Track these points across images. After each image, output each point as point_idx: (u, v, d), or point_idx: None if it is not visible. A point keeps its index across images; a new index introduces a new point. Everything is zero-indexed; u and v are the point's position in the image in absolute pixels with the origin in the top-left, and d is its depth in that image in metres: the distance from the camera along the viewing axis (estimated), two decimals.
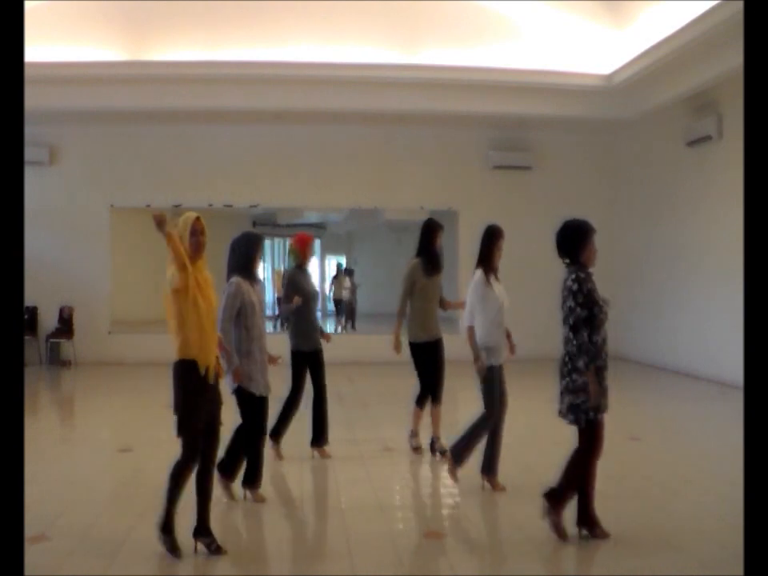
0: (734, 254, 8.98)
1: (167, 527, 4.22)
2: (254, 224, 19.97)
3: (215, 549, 4.27)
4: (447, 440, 5.92)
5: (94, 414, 9.01)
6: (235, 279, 5.08)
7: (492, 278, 5.44)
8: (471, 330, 5.39)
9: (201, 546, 4.28)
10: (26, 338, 11.77)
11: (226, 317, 4.96)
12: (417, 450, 6.53)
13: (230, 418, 4.90)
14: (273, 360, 5.39)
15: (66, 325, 12.47)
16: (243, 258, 5.13)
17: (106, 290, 12.88)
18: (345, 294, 18.54)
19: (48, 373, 12.05)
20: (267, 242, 22.01)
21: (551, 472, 6.01)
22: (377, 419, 8.00)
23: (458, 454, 5.45)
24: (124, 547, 4.33)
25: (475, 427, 5.40)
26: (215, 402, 4.36)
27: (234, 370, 4.98)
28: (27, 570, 2.98)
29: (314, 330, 6.40)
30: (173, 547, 4.20)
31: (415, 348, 6.35)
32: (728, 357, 9.71)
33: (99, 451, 7.04)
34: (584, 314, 4.26)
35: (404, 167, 13.25)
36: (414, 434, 6.56)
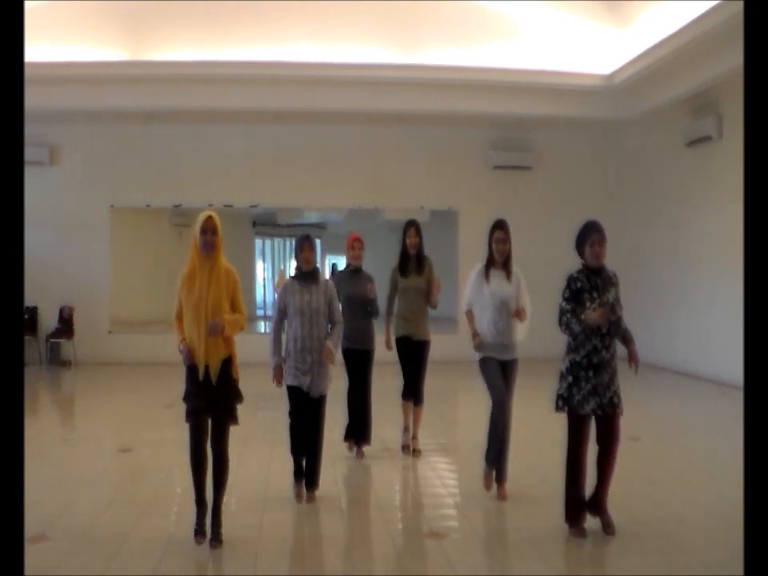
0: (733, 253, 8.98)
1: (198, 503, 4.43)
2: (254, 224, 19.96)
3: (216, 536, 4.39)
4: (445, 440, 5.90)
5: (94, 414, 9.01)
6: (286, 281, 5.40)
7: (496, 273, 5.40)
8: (468, 314, 5.52)
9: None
10: (26, 338, 11.77)
11: (273, 318, 5.47)
12: (404, 448, 6.64)
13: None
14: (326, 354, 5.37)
15: (66, 325, 12.48)
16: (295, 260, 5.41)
17: (105, 290, 12.87)
18: None
19: (48, 373, 12.05)
20: (268, 242, 21.94)
21: (552, 472, 5.99)
22: (377, 419, 7.97)
23: (487, 459, 5.41)
24: (124, 547, 4.33)
25: (489, 422, 5.39)
26: (216, 399, 4.40)
27: (273, 369, 5.25)
28: (27, 570, 2.98)
29: (356, 331, 6.40)
30: (199, 530, 4.38)
31: (395, 343, 6.61)
32: (728, 357, 9.71)
33: (99, 451, 7.03)
34: (567, 306, 4.57)
35: (404, 167, 13.25)
36: (406, 428, 6.69)
